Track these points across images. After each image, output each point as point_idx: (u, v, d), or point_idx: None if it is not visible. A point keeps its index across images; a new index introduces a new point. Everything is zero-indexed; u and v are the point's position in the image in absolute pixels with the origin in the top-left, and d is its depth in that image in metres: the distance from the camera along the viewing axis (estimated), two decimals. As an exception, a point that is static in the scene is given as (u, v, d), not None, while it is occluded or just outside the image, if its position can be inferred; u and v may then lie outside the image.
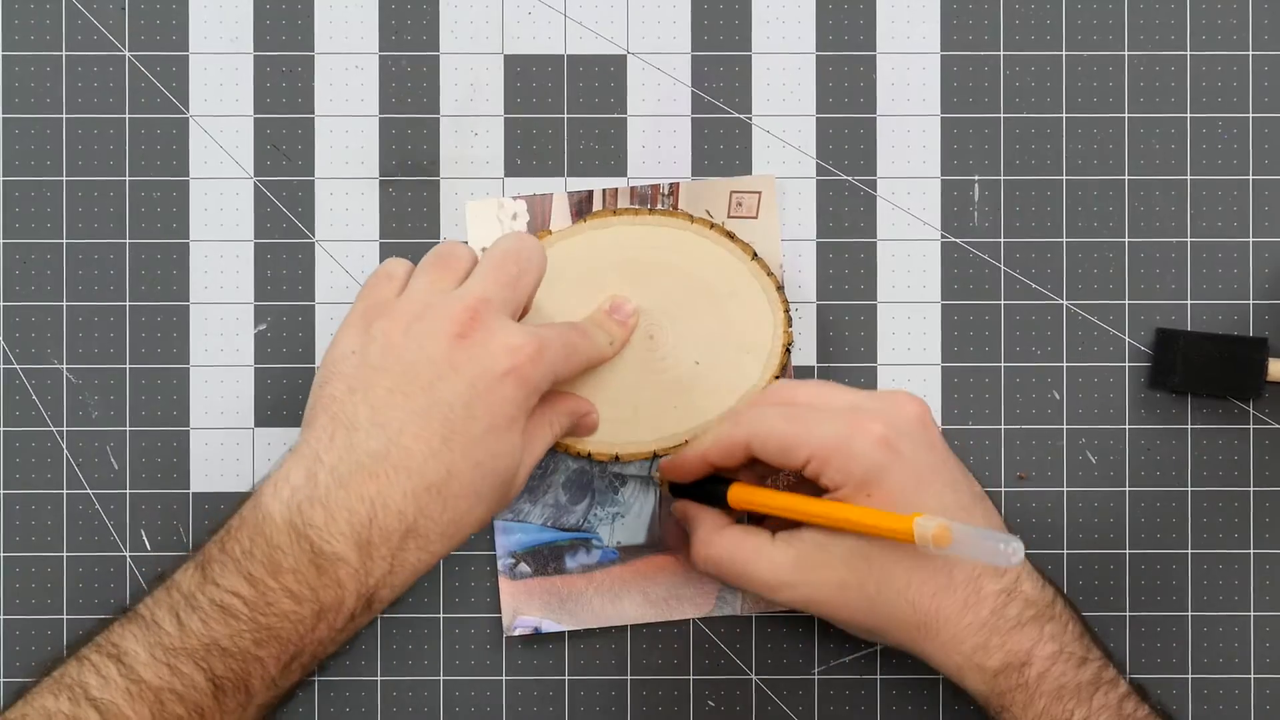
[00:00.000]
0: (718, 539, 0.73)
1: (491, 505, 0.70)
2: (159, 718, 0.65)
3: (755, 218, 0.80)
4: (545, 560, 0.80)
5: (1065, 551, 0.80)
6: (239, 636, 0.66)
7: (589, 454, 0.79)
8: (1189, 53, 0.80)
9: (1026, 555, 0.67)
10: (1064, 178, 0.80)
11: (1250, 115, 0.80)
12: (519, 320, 0.72)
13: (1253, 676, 0.80)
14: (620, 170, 0.80)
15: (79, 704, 0.65)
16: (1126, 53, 0.80)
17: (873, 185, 0.81)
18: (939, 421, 0.79)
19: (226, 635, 0.66)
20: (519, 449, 0.70)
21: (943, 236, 0.80)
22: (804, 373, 0.80)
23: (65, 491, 0.79)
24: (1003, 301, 0.80)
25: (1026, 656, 0.69)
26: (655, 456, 0.79)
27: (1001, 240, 0.80)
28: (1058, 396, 0.80)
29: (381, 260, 0.80)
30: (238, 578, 0.66)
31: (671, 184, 0.80)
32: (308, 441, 0.68)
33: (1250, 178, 0.80)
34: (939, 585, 0.69)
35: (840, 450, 0.69)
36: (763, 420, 0.71)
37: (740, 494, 0.74)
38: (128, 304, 0.80)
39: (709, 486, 0.76)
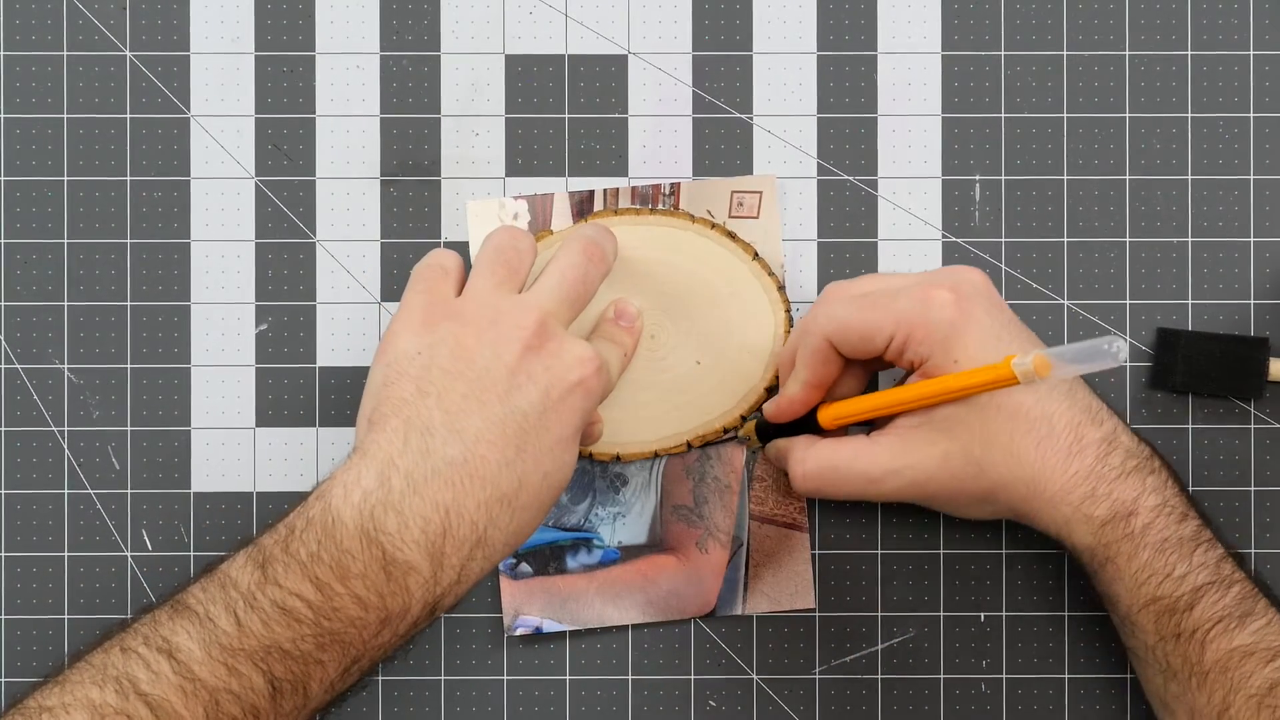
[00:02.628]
0: (813, 453, 0.73)
1: (543, 519, 0.70)
2: (213, 717, 0.64)
3: (756, 218, 0.80)
4: (546, 560, 0.80)
5: (1066, 551, 0.80)
6: (301, 640, 0.65)
7: (590, 454, 0.79)
8: (1189, 53, 0.81)
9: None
10: (1064, 178, 0.80)
11: (1250, 115, 0.80)
12: None
13: (1253, 676, 0.80)
14: (621, 170, 0.80)
15: (127, 698, 0.63)
16: (1126, 53, 0.81)
17: (873, 185, 0.81)
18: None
19: (289, 638, 0.65)
20: (574, 462, 0.70)
21: (943, 236, 0.80)
22: (805, 372, 0.80)
23: (66, 491, 0.79)
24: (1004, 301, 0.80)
25: (1133, 506, 0.69)
26: (656, 456, 0.79)
27: (1002, 240, 0.80)
28: (1058, 396, 0.80)
29: (382, 260, 0.80)
30: (303, 580, 0.65)
31: (672, 184, 0.80)
32: (378, 444, 0.67)
33: (1250, 178, 0.80)
34: (1041, 435, 0.70)
35: (920, 323, 0.70)
36: (835, 315, 0.72)
37: (830, 411, 0.74)
38: (128, 304, 0.80)
39: (793, 425, 0.76)
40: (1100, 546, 0.70)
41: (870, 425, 0.75)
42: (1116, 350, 0.64)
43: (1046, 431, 0.70)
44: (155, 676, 0.64)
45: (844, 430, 0.76)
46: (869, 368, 0.76)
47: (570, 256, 0.73)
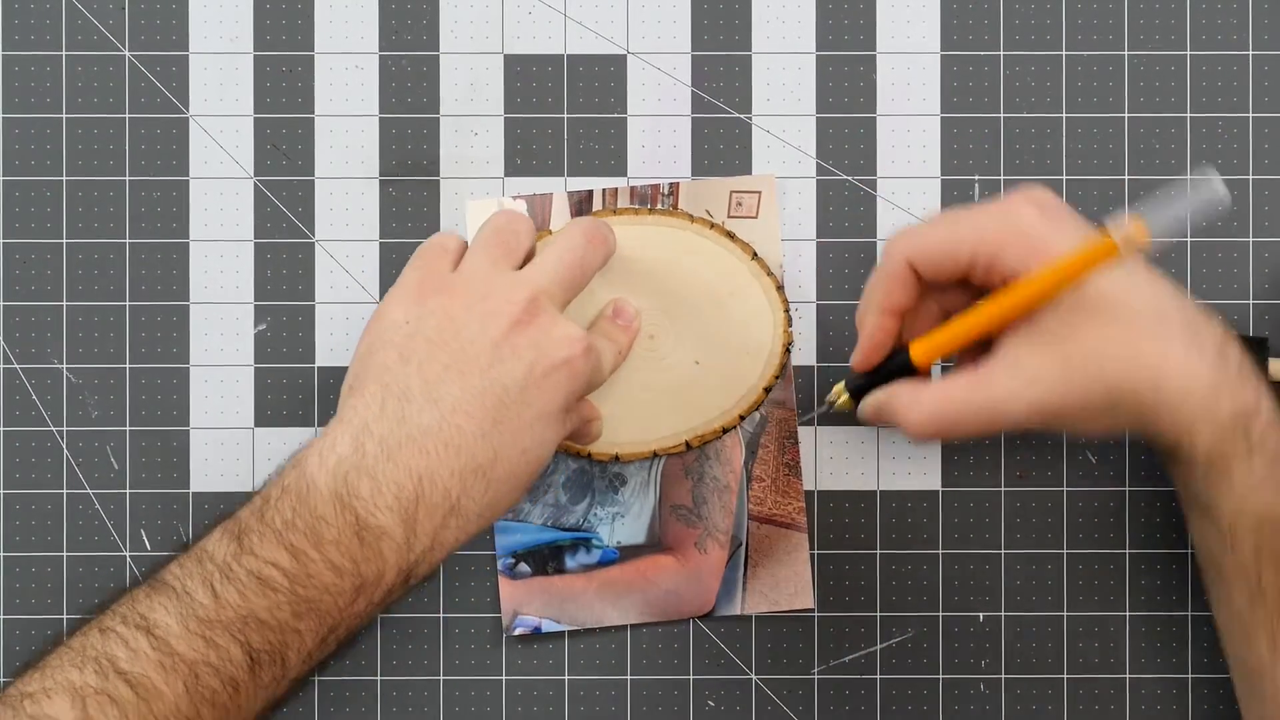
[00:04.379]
0: (924, 398, 0.69)
1: (522, 492, 0.70)
2: (193, 691, 0.64)
3: (755, 217, 0.80)
4: (545, 560, 0.80)
5: (1065, 551, 0.80)
6: (278, 609, 0.65)
7: (589, 454, 0.79)
8: (1189, 53, 0.80)
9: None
10: (1064, 178, 0.80)
11: (1250, 115, 0.80)
12: None
13: (1253, 676, 0.80)
14: (620, 170, 0.80)
15: (107, 677, 0.63)
16: (1126, 53, 0.80)
17: (873, 185, 0.81)
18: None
19: (265, 607, 0.65)
20: (555, 441, 0.70)
21: (943, 236, 0.80)
22: (804, 373, 0.80)
23: (65, 491, 0.79)
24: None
25: (1255, 408, 0.67)
26: (655, 456, 0.79)
27: (1001, 240, 0.80)
28: (1058, 396, 0.80)
29: (381, 260, 0.80)
30: (278, 548, 0.65)
31: (671, 184, 0.80)
32: (355, 409, 0.67)
33: (1250, 178, 0.80)
34: (1157, 330, 0.67)
35: (1006, 231, 0.67)
36: (916, 234, 0.69)
37: (924, 345, 0.70)
38: (128, 304, 0.80)
39: (886, 371, 0.71)
40: (1218, 450, 0.67)
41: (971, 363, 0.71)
42: (1212, 180, 0.61)
43: (1161, 326, 0.67)
44: (134, 654, 0.64)
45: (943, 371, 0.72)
46: (946, 303, 0.72)
47: (569, 239, 0.73)
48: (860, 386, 0.73)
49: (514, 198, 0.80)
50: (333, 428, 0.67)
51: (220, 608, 0.65)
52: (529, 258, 0.73)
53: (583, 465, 0.80)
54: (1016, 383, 0.68)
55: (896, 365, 0.71)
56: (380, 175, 0.80)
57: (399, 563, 0.66)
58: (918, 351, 0.70)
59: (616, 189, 0.80)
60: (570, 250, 0.72)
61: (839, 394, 0.74)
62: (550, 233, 0.79)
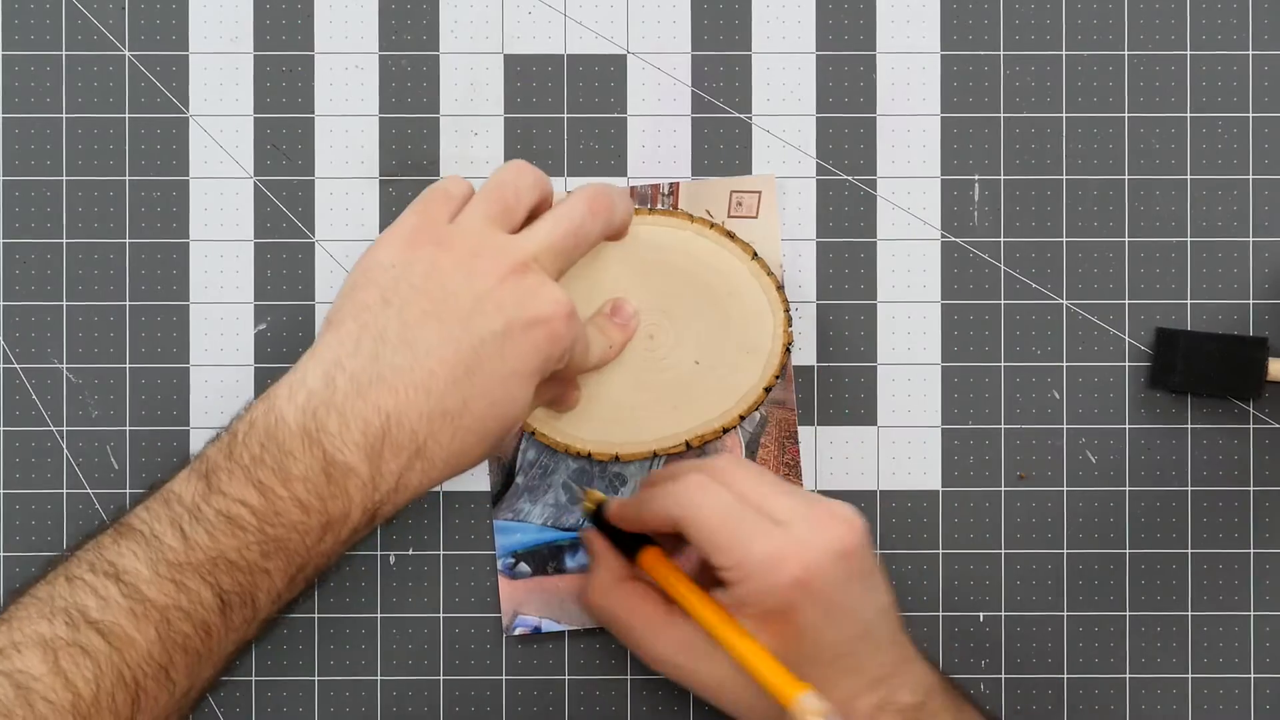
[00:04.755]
0: (615, 592, 0.74)
1: (489, 449, 0.69)
2: (165, 637, 0.63)
3: (755, 217, 0.80)
4: (545, 560, 0.80)
5: (1065, 551, 0.80)
6: (247, 549, 0.64)
7: (589, 454, 0.79)
8: (1189, 53, 0.80)
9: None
10: (1064, 178, 0.80)
11: (1250, 115, 0.80)
12: None
13: (1253, 676, 0.80)
14: (620, 170, 0.80)
15: (78, 628, 0.63)
16: (1126, 53, 0.81)
17: (873, 185, 0.81)
18: (944, 411, 0.80)
19: (234, 548, 0.64)
20: (528, 403, 0.69)
21: (943, 236, 0.80)
22: (804, 373, 0.80)
23: (65, 491, 0.79)
24: (1003, 301, 0.80)
25: None
26: (655, 456, 0.79)
27: (1001, 240, 0.80)
28: (1058, 396, 0.80)
29: (381, 260, 0.80)
30: (246, 486, 0.64)
31: (671, 184, 0.80)
32: (329, 345, 0.67)
33: (1250, 178, 0.80)
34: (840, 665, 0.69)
35: (760, 579, 0.68)
36: (703, 508, 0.70)
37: (651, 562, 0.73)
38: (128, 304, 0.80)
39: (625, 535, 0.75)
40: None
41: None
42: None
43: (844, 662, 0.69)
44: (104, 602, 0.63)
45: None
46: None
47: (571, 206, 0.72)
48: (599, 517, 0.76)
49: (514, 198, 0.80)
50: (304, 362, 0.67)
51: (190, 550, 0.64)
52: (536, 213, 0.73)
53: (583, 465, 0.80)
54: (682, 659, 0.71)
55: (632, 537, 0.75)
56: (380, 175, 0.80)
57: (364, 501, 0.66)
58: (645, 563, 0.74)
59: (616, 189, 0.80)
60: (569, 219, 0.71)
61: (589, 500, 0.77)
62: None
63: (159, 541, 0.64)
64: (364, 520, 0.66)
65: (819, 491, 0.80)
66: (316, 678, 0.80)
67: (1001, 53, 0.81)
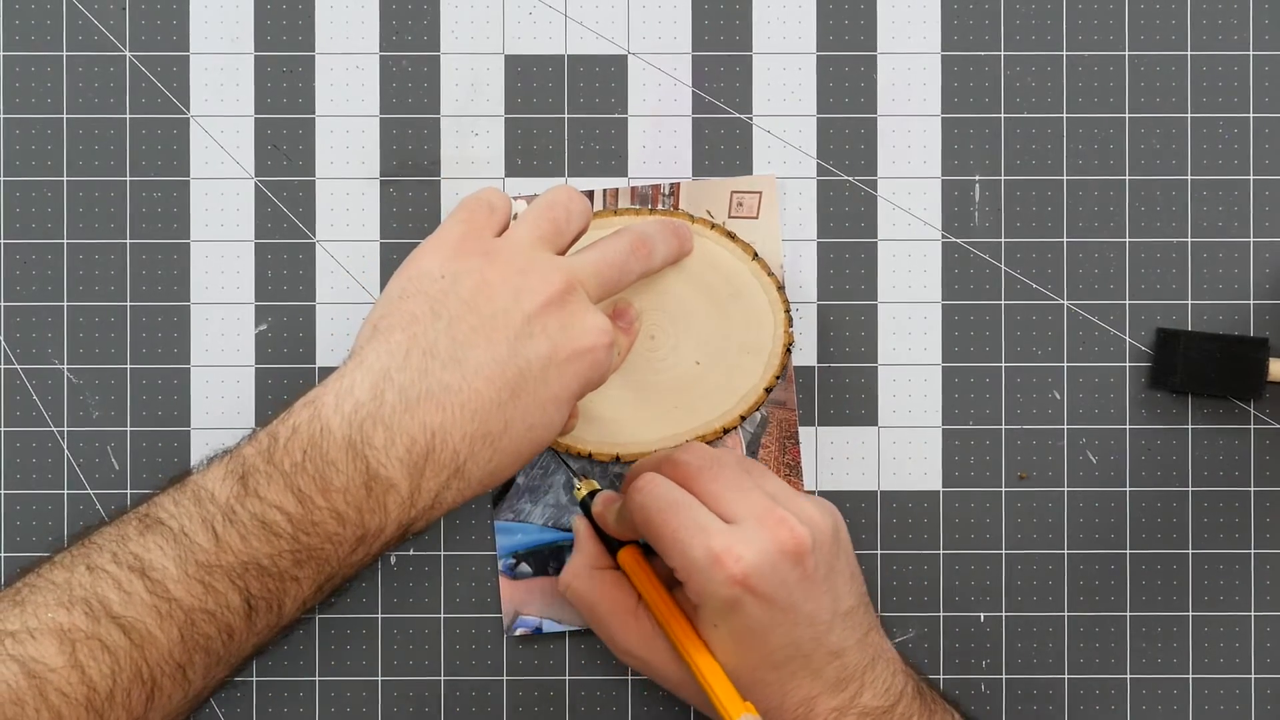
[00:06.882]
0: (589, 579, 0.75)
1: (519, 468, 0.69)
2: (188, 638, 0.63)
3: (756, 218, 0.80)
4: (545, 560, 0.80)
5: (1065, 551, 0.80)
6: (279, 556, 0.64)
7: (589, 454, 0.79)
8: (1189, 53, 0.80)
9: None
10: (1064, 178, 0.80)
11: (1250, 115, 0.80)
12: None
13: (1253, 676, 0.80)
14: (621, 170, 0.80)
15: (99, 620, 0.62)
16: (1126, 53, 0.81)
17: (873, 185, 0.81)
18: (946, 407, 0.80)
19: (266, 554, 0.63)
20: (560, 426, 0.69)
21: (943, 236, 0.80)
22: (805, 373, 0.80)
23: (65, 491, 0.79)
24: (1003, 301, 0.80)
25: None
26: (656, 456, 0.79)
27: (1002, 240, 0.80)
28: (1058, 396, 0.80)
29: (381, 260, 0.80)
30: (285, 492, 0.64)
31: (672, 184, 0.80)
32: (378, 354, 0.66)
33: (1250, 178, 0.80)
34: (771, 704, 0.70)
35: (701, 578, 0.68)
36: (647, 508, 0.70)
37: (627, 560, 0.74)
38: (128, 304, 0.80)
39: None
40: None
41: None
42: None
43: (778, 703, 0.70)
44: (128, 597, 0.62)
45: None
46: None
47: (617, 243, 0.73)
48: (588, 507, 0.77)
49: (515, 198, 0.80)
50: (350, 369, 0.66)
51: (221, 551, 0.63)
52: (577, 239, 0.73)
53: (583, 465, 0.80)
54: (641, 652, 0.73)
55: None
56: (381, 175, 0.80)
57: (400, 517, 0.65)
58: (623, 559, 0.75)
59: (617, 189, 0.80)
60: (616, 253, 0.72)
61: (583, 487, 0.77)
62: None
63: (189, 540, 0.63)
64: (397, 534, 0.66)
65: (819, 492, 0.80)
66: (317, 678, 0.80)
67: (1002, 53, 0.81)
